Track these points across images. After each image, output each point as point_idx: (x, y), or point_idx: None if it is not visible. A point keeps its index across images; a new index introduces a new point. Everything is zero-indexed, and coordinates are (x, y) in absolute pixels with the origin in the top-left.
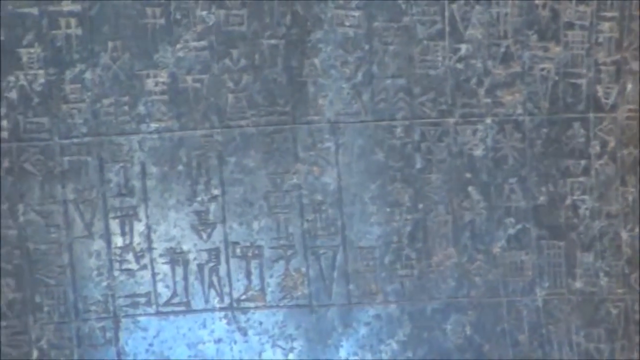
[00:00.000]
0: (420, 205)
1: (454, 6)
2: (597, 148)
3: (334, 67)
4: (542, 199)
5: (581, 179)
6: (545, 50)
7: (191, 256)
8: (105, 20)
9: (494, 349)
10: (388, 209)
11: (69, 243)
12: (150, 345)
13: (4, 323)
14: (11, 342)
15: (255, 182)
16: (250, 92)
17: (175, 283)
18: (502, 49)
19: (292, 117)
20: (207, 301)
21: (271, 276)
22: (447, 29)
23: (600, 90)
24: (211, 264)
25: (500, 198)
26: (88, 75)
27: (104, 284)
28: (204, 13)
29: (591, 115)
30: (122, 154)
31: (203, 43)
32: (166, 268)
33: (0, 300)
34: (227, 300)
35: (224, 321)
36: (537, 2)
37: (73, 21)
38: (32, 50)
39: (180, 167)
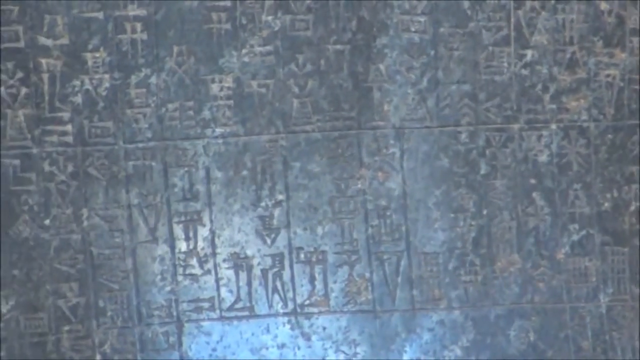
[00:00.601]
0: (485, 211)
1: (520, 12)
2: None
3: (399, 72)
4: (606, 205)
5: None
6: (611, 57)
7: (255, 261)
8: (171, 25)
9: (557, 355)
10: (452, 215)
11: (132, 248)
12: (214, 350)
13: (67, 327)
14: (74, 346)
15: (320, 187)
16: (316, 98)
17: (239, 288)
18: (568, 55)
19: (357, 122)
20: (270, 306)
21: (335, 281)
22: (513, 34)
23: None
24: (275, 269)
25: (565, 204)
26: (153, 79)
27: (168, 288)
28: (270, 18)
29: None
30: (186, 159)
31: (268, 48)
32: (230, 273)
33: (64, 305)
34: (290, 305)
35: (288, 326)
36: (602, 8)
37: (139, 26)
38: (97, 54)
39: (245, 172)
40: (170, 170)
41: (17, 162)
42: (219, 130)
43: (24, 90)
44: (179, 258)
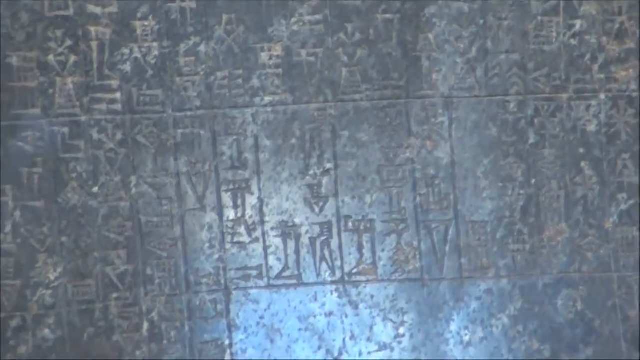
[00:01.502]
0: (533, 181)
1: None
2: None
3: (448, 42)
4: None
5: None
6: None
7: (303, 229)
8: None
9: (604, 324)
10: (500, 184)
11: (181, 215)
12: (261, 318)
13: (115, 295)
14: (122, 313)
15: (368, 156)
16: (365, 67)
17: (287, 256)
18: (617, 25)
19: (406, 91)
20: (318, 274)
21: (383, 250)
22: (562, 4)
23: None
24: (323, 238)
25: (613, 173)
26: (202, 48)
27: (216, 256)
28: None
29: None
30: (235, 127)
31: (318, 17)
32: (278, 241)
33: (112, 272)
34: (338, 273)
35: (335, 295)
36: None
37: None
38: (146, 22)
39: (294, 141)
40: (219, 138)
41: (66, 129)
42: (267, 99)
43: (72, 58)
44: (227, 226)
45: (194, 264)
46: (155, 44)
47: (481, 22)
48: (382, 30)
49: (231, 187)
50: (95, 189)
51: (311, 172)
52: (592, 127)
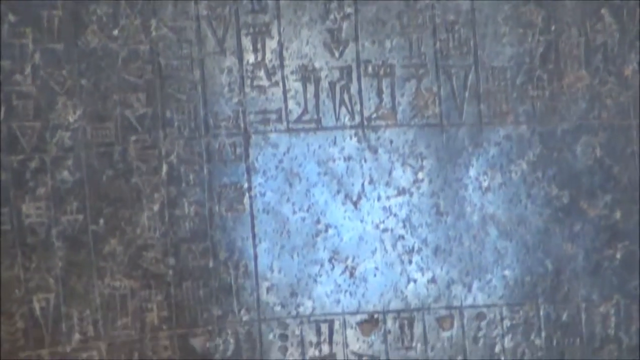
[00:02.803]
0: (553, 27)
1: None
2: None
3: None
4: None
5: None
6: None
7: (323, 74)
8: None
9: (623, 171)
10: (521, 30)
11: (200, 59)
12: (280, 161)
13: (134, 137)
14: (141, 156)
15: (388, 1)
16: None
17: (306, 100)
18: None
19: None
20: (337, 119)
21: (402, 95)
22: None
23: None
24: (342, 82)
25: (633, 20)
26: None
27: (235, 100)
28: None
29: None
30: None
31: None
32: (297, 85)
33: (131, 115)
34: (357, 118)
35: (355, 139)
36: None
37: None
38: None
39: None
40: None
41: None
42: None
43: None
44: (246, 70)
45: (213, 107)
46: None
47: None
48: None
49: (251, 30)
50: (115, 32)
51: (331, 17)
52: None
